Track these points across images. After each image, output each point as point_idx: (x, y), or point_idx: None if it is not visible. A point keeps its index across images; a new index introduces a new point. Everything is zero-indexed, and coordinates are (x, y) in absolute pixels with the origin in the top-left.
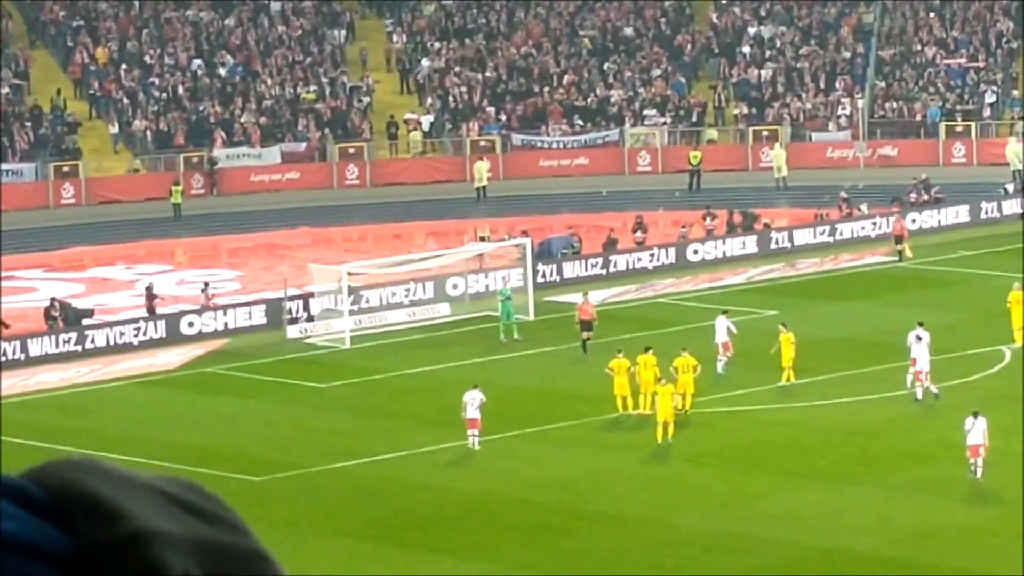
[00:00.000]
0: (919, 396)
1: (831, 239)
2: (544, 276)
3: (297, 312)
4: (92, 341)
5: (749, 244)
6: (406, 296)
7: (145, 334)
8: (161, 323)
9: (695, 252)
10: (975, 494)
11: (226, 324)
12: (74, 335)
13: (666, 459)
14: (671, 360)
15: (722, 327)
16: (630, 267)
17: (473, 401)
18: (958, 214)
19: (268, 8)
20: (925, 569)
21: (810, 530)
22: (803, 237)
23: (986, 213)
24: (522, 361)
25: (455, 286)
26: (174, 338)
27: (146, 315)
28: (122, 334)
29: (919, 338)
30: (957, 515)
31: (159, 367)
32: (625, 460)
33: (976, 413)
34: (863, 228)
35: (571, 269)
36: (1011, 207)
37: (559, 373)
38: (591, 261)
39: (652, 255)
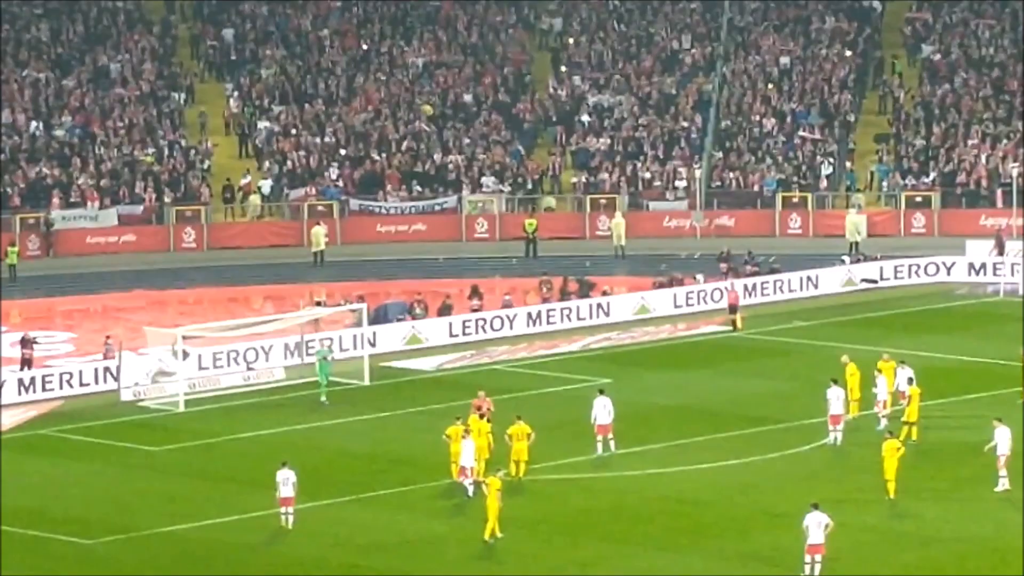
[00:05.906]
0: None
1: (670, 309)
2: (377, 341)
3: (131, 375)
4: None
5: (584, 311)
6: (241, 360)
7: None
8: None
9: (535, 319)
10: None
11: (60, 386)
12: None
13: (499, 526)
14: (506, 427)
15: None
16: (467, 334)
17: (287, 480)
18: (794, 284)
19: (108, 70)
20: None
21: None
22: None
23: (823, 284)
24: (356, 426)
25: (291, 350)
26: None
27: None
28: None
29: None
30: None
31: None
32: (457, 527)
33: (815, 505)
34: (700, 297)
35: (407, 335)
36: (848, 278)
37: (392, 438)
38: (428, 326)
39: (487, 322)
